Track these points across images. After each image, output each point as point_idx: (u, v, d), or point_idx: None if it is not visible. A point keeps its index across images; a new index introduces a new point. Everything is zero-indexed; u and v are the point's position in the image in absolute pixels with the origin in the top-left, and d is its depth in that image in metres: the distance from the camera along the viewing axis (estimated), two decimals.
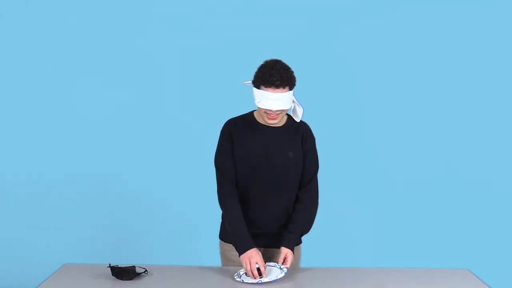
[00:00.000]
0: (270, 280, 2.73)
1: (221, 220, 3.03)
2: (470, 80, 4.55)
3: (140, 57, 4.52)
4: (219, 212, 2.97)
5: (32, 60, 4.52)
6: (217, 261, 3.09)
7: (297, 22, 4.49)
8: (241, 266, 2.84)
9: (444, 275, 2.92)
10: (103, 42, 4.51)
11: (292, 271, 2.85)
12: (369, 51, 4.52)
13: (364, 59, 4.52)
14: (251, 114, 2.93)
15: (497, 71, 4.55)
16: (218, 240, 3.06)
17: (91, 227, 4.54)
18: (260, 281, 2.72)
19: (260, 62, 2.79)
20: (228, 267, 2.96)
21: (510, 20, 4.53)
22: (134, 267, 2.83)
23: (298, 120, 2.91)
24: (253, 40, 4.42)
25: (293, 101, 2.83)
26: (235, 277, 2.78)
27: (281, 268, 2.80)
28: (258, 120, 2.89)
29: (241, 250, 2.80)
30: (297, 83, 2.79)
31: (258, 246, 2.88)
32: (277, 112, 2.77)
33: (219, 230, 3.06)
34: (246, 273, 2.78)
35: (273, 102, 2.72)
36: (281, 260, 2.83)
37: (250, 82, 2.81)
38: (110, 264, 2.82)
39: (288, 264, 2.82)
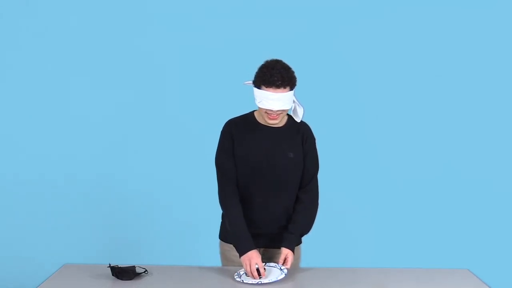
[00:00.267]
0: (270, 281, 2.73)
1: (221, 220, 3.03)
2: (470, 80, 4.55)
3: (140, 57, 4.52)
4: (219, 212, 2.97)
5: (32, 60, 4.52)
6: (217, 261, 3.09)
7: (297, 22, 4.49)
8: (241, 266, 2.84)
9: (444, 275, 2.92)
10: (103, 42, 4.52)
11: (292, 271, 2.85)
12: (369, 51, 4.52)
13: (364, 59, 4.52)
14: (251, 114, 2.93)
15: (497, 71, 4.55)
16: (218, 240, 3.06)
17: (91, 227, 4.54)
18: (260, 282, 2.72)
19: (261, 62, 2.79)
20: (228, 267, 2.96)
21: (510, 20, 4.53)
22: (134, 267, 2.83)
23: (298, 120, 2.91)
24: (253, 40, 4.42)
25: (294, 101, 2.83)
26: (235, 277, 2.78)
27: (281, 269, 2.80)
28: (259, 120, 2.89)
29: (241, 251, 2.80)
30: (297, 83, 2.79)
31: (258, 246, 2.88)
32: (277, 112, 2.77)
33: (219, 230, 3.06)
34: (246, 273, 2.78)
35: (273, 102, 2.72)
36: (281, 260, 2.83)
37: (251, 82, 2.81)
38: (110, 264, 2.82)
39: (289, 264, 2.82)
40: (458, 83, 4.55)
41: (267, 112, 2.77)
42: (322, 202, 2.97)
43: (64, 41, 4.51)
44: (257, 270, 2.74)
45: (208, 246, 3.41)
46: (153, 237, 4.57)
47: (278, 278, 2.74)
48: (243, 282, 2.74)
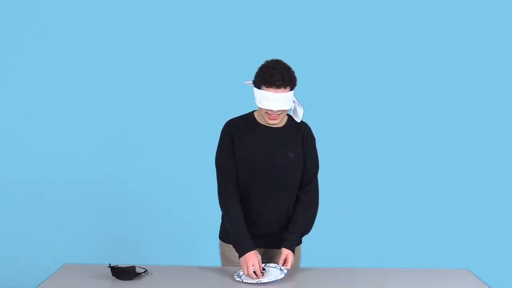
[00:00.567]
0: (270, 280, 2.73)
1: (221, 221, 3.03)
2: (470, 80, 4.55)
3: (140, 57, 4.52)
4: (219, 212, 2.97)
5: (32, 60, 4.52)
6: (217, 261, 3.09)
7: (297, 22, 4.49)
8: (241, 266, 2.84)
9: (444, 275, 2.92)
10: (103, 42, 4.51)
11: (292, 271, 2.85)
12: (369, 51, 4.52)
13: (364, 59, 4.52)
14: (251, 114, 2.93)
15: (497, 71, 4.55)
16: (218, 240, 3.06)
17: (91, 227, 4.54)
18: (259, 281, 2.72)
19: (261, 62, 2.79)
20: (228, 267, 2.96)
21: (510, 20, 4.53)
22: (134, 267, 2.83)
23: (298, 121, 2.91)
24: (253, 40, 4.42)
25: (294, 101, 2.83)
26: (235, 277, 2.78)
27: (281, 269, 2.80)
28: (259, 121, 2.89)
29: (240, 252, 2.80)
30: (297, 83, 2.79)
31: (258, 246, 2.88)
32: (278, 112, 2.77)
33: (219, 230, 3.06)
34: None
35: (274, 102, 2.72)
36: (281, 261, 2.82)
37: (251, 82, 2.81)
38: (110, 264, 2.82)
39: (289, 265, 2.81)
40: (458, 83, 4.55)
41: (267, 112, 2.77)
42: (322, 202, 2.97)
43: (64, 41, 4.51)
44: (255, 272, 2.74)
45: (208, 246, 3.41)
46: (153, 237, 4.57)
47: (278, 278, 2.74)
48: (243, 282, 2.74)
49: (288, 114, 2.91)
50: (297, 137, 2.91)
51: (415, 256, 4.38)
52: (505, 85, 4.56)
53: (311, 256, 3.17)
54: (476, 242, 4.55)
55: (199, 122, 4.45)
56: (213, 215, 3.08)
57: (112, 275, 2.78)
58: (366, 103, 4.55)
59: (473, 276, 2.90)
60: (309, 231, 2.97)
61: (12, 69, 4.54)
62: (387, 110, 4.56)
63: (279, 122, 2.85)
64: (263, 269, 2.80)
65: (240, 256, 2.79)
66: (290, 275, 2.81)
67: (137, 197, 4.55)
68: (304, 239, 3.02)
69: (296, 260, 2.96)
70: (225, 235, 2.98)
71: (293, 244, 2.87)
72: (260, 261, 2.79)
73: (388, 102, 4.56)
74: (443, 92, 4.56)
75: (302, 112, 2.88)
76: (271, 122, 2.82)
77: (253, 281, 2.73)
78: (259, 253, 2.87)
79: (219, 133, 2.93)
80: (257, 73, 2.77)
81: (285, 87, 2.72)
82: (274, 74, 2.70)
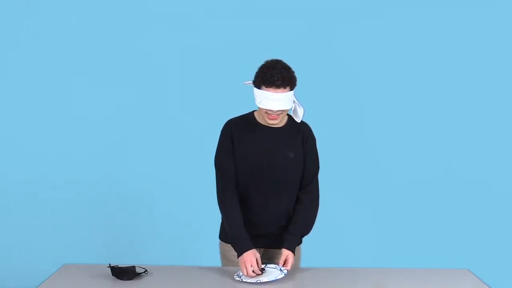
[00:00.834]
0: (270, 280, 2.73)
1: (221, 221, 3.03)
2: (470, 80, 4.55)
3: (140, 57, 4.52)
4: (219, 212, 2.96)
5: (32, 60, 4.52)
6: (217, 261, 3.09)
7: (297, 22, 4.49)
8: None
9: (444, 275, 2.92)
10: (103, 42, 4.51)
11: (292, 271, 2.85)
12: (369, 51, 4.52)
13: (364, 59, 4.52)
14: (251, 114, 2.93)
15: (497, 71, 4.55)
16: (218, 240, 3.06)
17: (91, 227, 4.54)
18: (259, 281, 2.72)
19: (261, 62, 2.79)
20: (228, 267, 2.96)
21: (510, 20, 4.53)
22: (134, 267, 2.83)
23: (298, 121, 2.90)
24: (253, 40, 4.42)
25: (294, 102, 2.83)
26: (235, 277, 2.79)
27: (281, 270, 2.80)
28: (259, 120, 2.89)
29: (238, 251, 2.80)
30: (298, 83, 2.79)
31: (258, 246, 2.88)
32: (277, 112, 2.77)
33: (219, 230, 3.06)
34: None
35: (273, 102, 2.72)
36: (281, 262, 2.82)
37: (251, 82, 2.81)
38: (110, 264, 2.82)
39: (289, 266, 2.81)
40: (458, 83, 4.55)
41: (267, 112, 2.77)
42: (322, 202, 2.97)
43: (64, 41, 4.51)
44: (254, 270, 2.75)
45: (208, 246, 3.41)
46: (153, 237, 4.57)
47: (278, 278, 2.74)
48: (242, 281, 2.74)
49: (288, 114, 2.91)
50: (297, 137, 2.91)
51: (415, 256, 4.38)
52: (505, 85, 4.56)
53: (311, 256, 3.16)
54: (476, 242, 4.55)
55: (199, 122, 4.45)
56: (213, 215, 3.08)
57: (112, 275, 2.78)
58: (366, 103, 4.55)
59: (473, 276, 2.91)
60: (309, 232, 2.96)
61: (12, 69, 4.54)
62: (387, 110, 4.56)
63: (279, 122, 2.85)
64: (263, 269, 2.80)
65: (238, 256, 2.79)
66: (290, 275, 2.81)
67: (137, 197, 4.55)
68: (304, 239, 3.02)
69: (296, 260, 2.96)
70: (225, 235, 2.98)
71: (293, 245, 2.87)
72: (259, 259, 2.79)
73: (388, 102, 4.56)
74: (443, 92, 4.55)
75: (302, 112, 2.88)
76: (270, 122, 2.82)
77: (252, 281, 2.73)
78: (259, 253, 2.87)
79: (219, 133, 2.93)
80: (257, 73, 2.77)
81: (284, 87, 2.72)
82: (274, 74, 2.70)
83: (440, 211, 4.58)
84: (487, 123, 4.56)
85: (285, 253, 2.83)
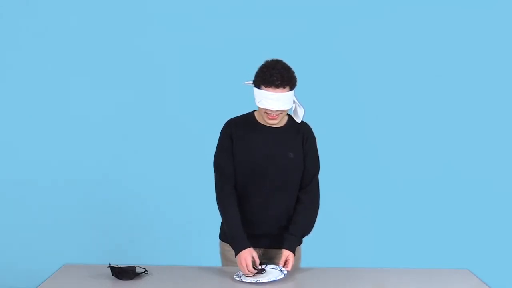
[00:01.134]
0: (269, 280, 2.73)
1: (221, 220, 3.03)
2: (470, 80, 4.55)
3: (140, 57, 4.53)
4: (219, 212, 2.96)
5: (32, 60, 4.52)
6: (217, 261, 3.09)
7: (297, 22, 4.49)
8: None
9: (444, 275, 2.92)
10: (103, 42, 4.52)
11: (292, 271, 2.84)
12: (369, 51, 4.52)
13: (364, 59, 4.52)
14: (251, 114, 2.93)
15: (497, 71, 4.55)
16: (218, 240, 3.06)
17: (91, 227, 4.54)
18: (259, 281, 2.72)
19: (261, 62, 2.79)
20: (228, 267, 2.96)
21: (510, 20, 4.53)
22: (134, 267, 2.83)
23: (299, 121, 2.90)
24: (253, 40, 4.42)
25: (294, 102, 2.82)
26: (235, 277, 2.79)
27: (281, 270, 2.80)
28: (259, 120, 2.89)
29: (235, 251, 2.80)
30: (298, 83, 2.79)
31: (258, 246, 2.88)
32: (277, 112, 2.77)
33: (219, 230, 3.06)
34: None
35: (273, 102, 2.72)
36: (282, 262, 2.82)
37: (251, 82, 2.81)
38: (110, 264, 2.82)
39: (289, 266, 2.81)
40: (458, 83, 4.55)
41: (267, 112, 2.77)
42: (322, 202, 2.96)
43: (64, 41, 4.51)
44: (254, 267, 2.74)
45: (208, 246, 3.41)
46: (153, 237, 4.57)
47: (278, 278, 2.74)
48: (242, 281, 2.74)
49: (288, 114, 2.91)
50: (297, 137, 2.90)
51: (415, 256, 4.38)
52: (505, 85, 4.56)
53: (311, 256, 3.16)
54: (476, 242, 4.55)
55: (199, 122, 4.45)
56: (213, 215, 3.07)
57: (112, 275, 2.78)
58: (366, 103, 4.55)
59: (473, 276, 2.90)
60: (309, 232, 2.96)
61: (12, 69, 4.54)
62: (387, 110, 4.56)
63: (279, 122, 2.84)
64: (263, 269, 2.80)
65: (235, 255, 2.80)
66: (290, 275, 2.81)
67: (137, 197, 4.55)
68: (304, 239, 3.01)
69: (296, 260, 2.96)
70: (225, 235, 2.97)
71: (294, 245, 2.86)
72: (256, 258, 2.79)
73: (388, 102, 4.56)
74: (443, 92, 4.56)
75: (303, 112, 2.88)
76: (270, 122, 2.82)
77: (252, 281, 2.73)
78: (259, 253, 2.87)
79: (219, 133, 2.92)
80: (257, 73, 2.77)
81: (284, 87, 2.72)
82: (274, 74, 2.70)
83: (440, 211, 4.58)
84: (487, 123, 4.56)
85: (286, 253, 2.83)
